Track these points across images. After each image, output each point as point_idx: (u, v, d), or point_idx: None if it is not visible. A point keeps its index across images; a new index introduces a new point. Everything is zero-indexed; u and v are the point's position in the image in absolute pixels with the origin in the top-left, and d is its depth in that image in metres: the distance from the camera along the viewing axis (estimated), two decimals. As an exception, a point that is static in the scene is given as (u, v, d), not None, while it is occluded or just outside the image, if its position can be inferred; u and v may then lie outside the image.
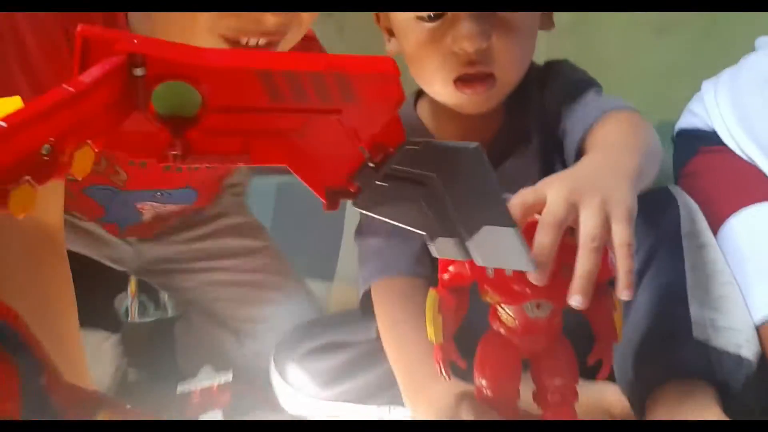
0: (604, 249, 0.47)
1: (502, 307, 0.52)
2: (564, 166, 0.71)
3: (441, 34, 0.66)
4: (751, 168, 0.69)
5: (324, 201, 0.45)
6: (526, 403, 0.54)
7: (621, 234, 0.46)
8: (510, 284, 0.49)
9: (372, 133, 0.42)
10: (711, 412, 0.55)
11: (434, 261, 0.74)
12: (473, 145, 0.39)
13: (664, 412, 0.57)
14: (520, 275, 0.48)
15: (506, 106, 0.74)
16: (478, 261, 0.43)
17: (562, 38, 0.78)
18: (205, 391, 0.81)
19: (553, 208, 0.47)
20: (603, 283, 0.50)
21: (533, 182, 0.68)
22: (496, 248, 0.41)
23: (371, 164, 0.43)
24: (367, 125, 0.42)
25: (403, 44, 0.70)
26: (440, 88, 0.69)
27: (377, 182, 0.44)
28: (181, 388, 0.82)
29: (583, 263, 0.45)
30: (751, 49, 0.78)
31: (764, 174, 0.67)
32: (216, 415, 0.79)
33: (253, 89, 0.37)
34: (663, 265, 0.65)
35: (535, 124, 0.74)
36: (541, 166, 0.73)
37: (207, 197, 0.98)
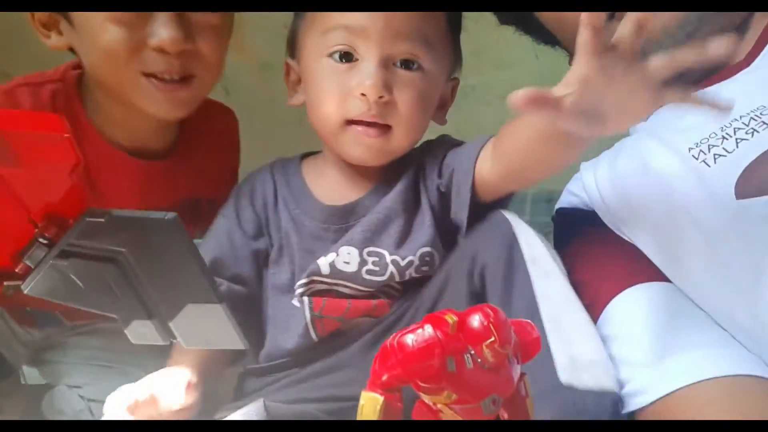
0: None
1: (448, 408, 0.44)
2: (436, 224, 0.73)
3: (348, 77, 0.70)
4: (632, 248, 0.69)
5: None
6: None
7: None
8: (472, 379, 0.43)
9: (44, 202, 0.36)
10: None
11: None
12: (169, 215, 0.36)
13: None
14: (478, 368, 0.43)
15: (385, 168, 0.76)
16: (183, 343, 0.40)
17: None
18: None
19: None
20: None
21: (401, 236, 0.72)
22: (203, 327, 0.39)
23: (43, 240, 0.37)
24: (37, 193, 0.36)
25: (309, 86, 0.74)
26: (334, 128, 0.72)
27: (53, 261, 0.37)
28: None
29: None
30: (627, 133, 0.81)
31: (644, 255, 0.68)
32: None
33: None
34: (515, 295, 0.64)
35: (409, 182, 0.75)
36: (409, 220, 0.74)
37: None
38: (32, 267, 0.37)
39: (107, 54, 0.70)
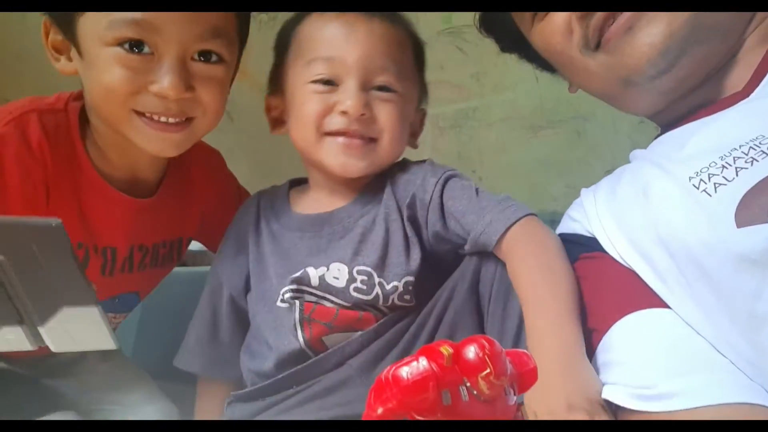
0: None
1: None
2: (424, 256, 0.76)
3: (329, 98, 0.77)
4: (631, 274, 0.69)
5: None
6: None
7: None
8: (468, 411, 0.43)
9: None
10: None
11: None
12: (54, 221, 0.37)
13: None
14: (474, 401, 0.43)
15: (364, 185, 0.82)
16: (52, 346, 0.40)
17: (447, 132, 0.83)
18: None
19: None
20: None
21: (382, 256, 0.76)
22: (76, 331, 0.39)
23: None
24: None
25: (293, 110, 0.80)
26: (313, 139, 0.78)
27: None
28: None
29: None
30: (617, 149, 0.81)
31: (644, 282, 0.68)
32: None
33: None
34: (510, 312, 0.69)
35: (391, 203, 0.78)
36: (391, 244, 0.76)
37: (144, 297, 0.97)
38: None
39: (107, 91, 0.73)
